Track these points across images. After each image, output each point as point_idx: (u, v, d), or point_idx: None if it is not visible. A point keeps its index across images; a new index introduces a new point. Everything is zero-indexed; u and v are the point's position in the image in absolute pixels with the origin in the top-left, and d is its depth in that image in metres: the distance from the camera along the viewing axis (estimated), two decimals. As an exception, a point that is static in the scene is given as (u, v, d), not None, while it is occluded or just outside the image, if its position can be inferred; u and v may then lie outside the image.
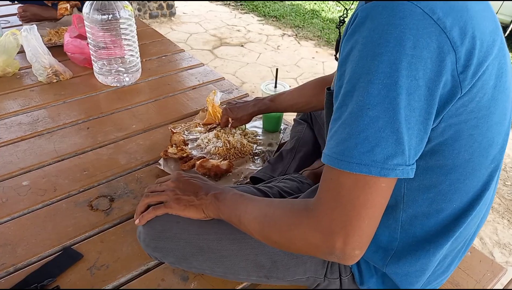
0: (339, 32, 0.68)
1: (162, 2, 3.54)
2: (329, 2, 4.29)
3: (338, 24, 0.73)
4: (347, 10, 0.72)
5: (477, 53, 0.47)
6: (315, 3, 4.31)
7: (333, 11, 4.26)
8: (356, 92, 0.48)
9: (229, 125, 1.20)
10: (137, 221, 0.75)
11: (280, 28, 3.73)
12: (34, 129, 1.23)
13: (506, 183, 2.10)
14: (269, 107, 1.10)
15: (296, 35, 3.60)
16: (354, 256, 0.51)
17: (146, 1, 3.41)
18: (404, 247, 0.62)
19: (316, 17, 3.99)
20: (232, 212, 0.67)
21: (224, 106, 1.20)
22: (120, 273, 0.82)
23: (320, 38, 3.57)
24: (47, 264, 0.83)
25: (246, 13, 4.00)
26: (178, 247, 0.73)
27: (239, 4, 4.17)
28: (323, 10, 4.20)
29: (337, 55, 0.65)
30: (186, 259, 0.74)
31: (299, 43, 3.36)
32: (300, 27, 3.75)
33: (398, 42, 0.45)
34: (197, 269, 0.76)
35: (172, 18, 3.64)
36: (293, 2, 4.32)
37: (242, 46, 3.35)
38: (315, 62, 3.17)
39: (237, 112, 1.14)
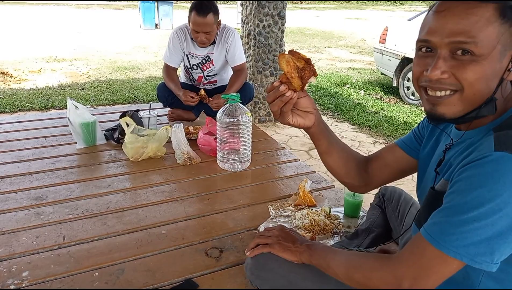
0: (444, 154, 0.87)
1: (269, 110, 4.21)
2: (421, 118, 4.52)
3: (445, 150, 0.87)
4: (453, 141, 0.86)
5: None
6: (409, 116, 4.59)
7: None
8: (468, 205, 0.67)
9: None
10: (248, 253, 1.04)
11: (372, 137, 4.04)
12: (171, 196, 1.67)
13: None
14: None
15: (387, 143, 3.85)
16: None
17: (257, 109, 4.10)
18: None
19: (408, 129, 4.23)
20: (322, 259, 0.91)
21: None
22: (223, 302, 1.10)
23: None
24: (174, 288, 1.15)
25: (342, 121, 4.45)
26: (274, 278, 0.99)
27: (336, 114, 4.68)
28: (415, 123, 4.44)
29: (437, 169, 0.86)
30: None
31: (390, 150, 3.58)
32: (392, 137, 4.01)
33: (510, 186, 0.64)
34: (285, 300, 1.00)
35: (276, 123, 4.26)
36: (386, 114, 4.67)
37: (335, 149, 3.71)
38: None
39: None
